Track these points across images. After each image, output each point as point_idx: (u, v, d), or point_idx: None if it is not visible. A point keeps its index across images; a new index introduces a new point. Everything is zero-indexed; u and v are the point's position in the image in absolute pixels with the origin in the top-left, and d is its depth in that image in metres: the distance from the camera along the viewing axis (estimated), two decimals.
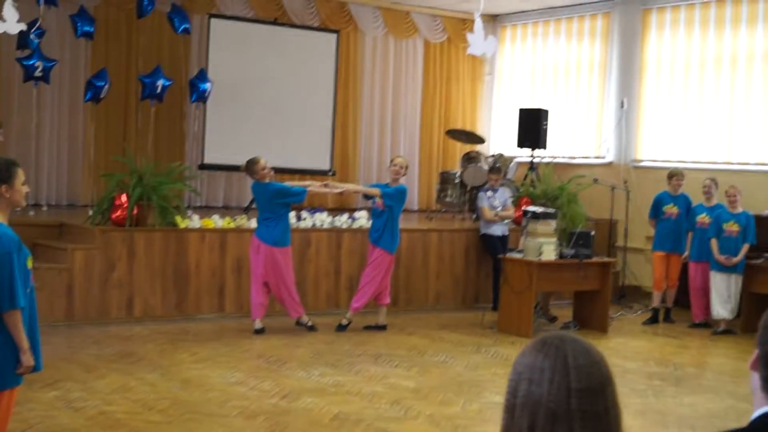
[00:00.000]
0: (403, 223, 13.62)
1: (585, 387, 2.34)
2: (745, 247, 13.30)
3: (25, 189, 6.01)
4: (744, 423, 2.50)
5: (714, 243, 13.39)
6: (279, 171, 16.54)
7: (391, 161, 13.20)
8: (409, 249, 14.50)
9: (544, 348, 2.41)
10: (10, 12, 6.57)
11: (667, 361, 11.70)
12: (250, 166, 12.16)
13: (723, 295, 13.41)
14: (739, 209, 13.46)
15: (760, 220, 13.80)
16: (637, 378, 10.69)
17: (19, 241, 5.84)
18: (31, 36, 13.96)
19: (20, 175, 5.94)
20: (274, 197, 11.98)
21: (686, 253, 13.98)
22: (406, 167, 12.91)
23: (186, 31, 16.18)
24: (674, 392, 10.13)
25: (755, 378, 2.51)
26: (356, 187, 12.71)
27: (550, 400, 2.34)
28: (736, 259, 13.26)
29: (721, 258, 13.30)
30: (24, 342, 5.75)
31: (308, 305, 12.88)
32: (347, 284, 13.86)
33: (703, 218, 13.68)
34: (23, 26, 6.92)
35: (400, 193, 12.69)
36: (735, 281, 13.37)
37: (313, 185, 12.94)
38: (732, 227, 13.36)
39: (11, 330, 5.69)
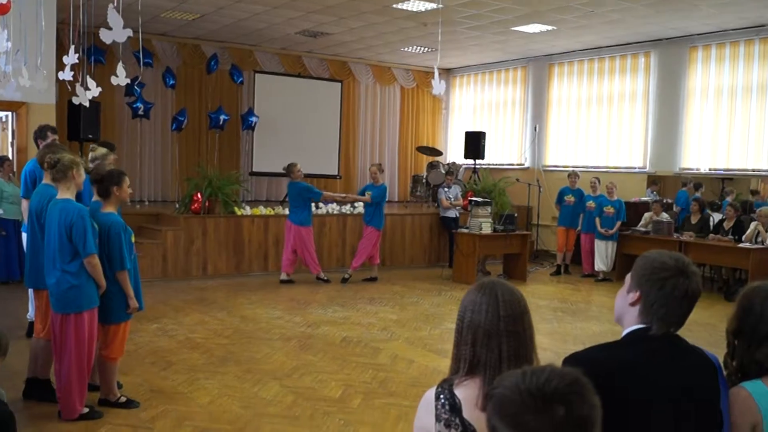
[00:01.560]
0: (387, 209, 13.63)
1: (509, 314, 2.37)
2: (618, 224, 13.39)
3: (129, 191, 6.05)
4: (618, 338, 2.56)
5: (597, 220, 13.48)
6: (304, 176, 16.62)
7: (369, 168, 13.41)
8: (392, 227, 14.53)
9: (482, 289, 2.44)
10: (121, 71, 6.56)
11: (566, 299, 11.74)
12: (290, 168, 12.21)
13: (603, 256, 13.51)
14: (615, 197, 13.52)
15: (628, 205, 13.90)
16: (546, 311, 10.73)
17: (125, 224, 5.91)
18: (135, 87, 13.99)
19: (126, 181, 5.97)
20: (302, 192, 12.02)
21: (579, 228, 14.03)
22: (379, 170, 12.85)
23: (240, 82, 16.24)
24: (571, 320, 10.17)
25: (623, 305, 2.52)
26: (354, 197, 13.19)
27: (486, 323, 2.37)
28: (612, 231, 13.36)
29: (603, 230, 13.39)
30: (131, 291, 5.85)
31: (324, 265, 12.89)
32: (350, 250, 13.87)
33: (590, 204, 13.71)
34: (128, 80, 6.91)
35: (383, 191, 12.67)
36: (611, 246, 13.45)
37: (327, 193, 13.01)
38: (610, 210, 13.44)
39: (122, 284, 5.73)
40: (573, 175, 14.33)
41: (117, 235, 5.72)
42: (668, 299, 2.39)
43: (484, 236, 12.72)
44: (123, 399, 6.01)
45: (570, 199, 14.14)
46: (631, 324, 2.49)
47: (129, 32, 5.73)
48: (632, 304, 2.47)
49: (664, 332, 2.42)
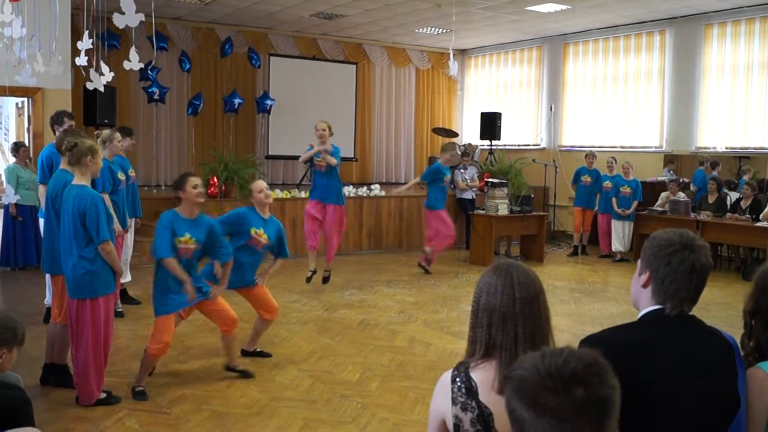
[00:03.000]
0: (405, 191, 13.58)
1: (525, 296, 2.36)
2: (635, 203, 13.31)
3: (196, 191, 6.07)
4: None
5: (614, 201, 13.40)
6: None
7: (315, 128, 10.29)
8: (409, 209, 14.50)
9: (497, 271, 2.43)
10: (134, 55, 6.54)
11: (583, 280, 11.69)
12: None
13: (620, 236, 13.46)
14: (631, 177, 13.42)
15: (644, 184, 13.78)
16: (563, 292, 10.68)
17: (173, 221, 6.06)
18: (149, 71, 13.98)
19: (191, 182, 6.01)
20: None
21: (596, 208, 13.95)
22: (327, 130, 10.15)
23: (258, 65, 16.26)
24: (588, 301, 10.13)
25: (638, 288, 2.51)
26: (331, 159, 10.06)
27: (502, 305, 2.36)
28: (629, 211, 13.28)
29: (620, 210, 13.30)
30: (184, 275, 5.99)
31: (339, 248, 12.84)
32: (367, 233, 13.88)
33: (607, 184, 13.63)
34: (142, 65, 6.90)
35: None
36: (628, 226, 13.41)
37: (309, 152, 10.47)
38: (626, 190, 13.36)
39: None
40: (590, 155, 14.21)
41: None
42: (676, 274, 2.39)
43: (500, 218, 12.66)
44: (140, 389, 6.01)
45: (587, 179, 14.04)
46: (646, 306, 2.49)
47: (141, 17, 5.69)
48: (644, 286, 2.48)
49: (678, 312, 2.41)
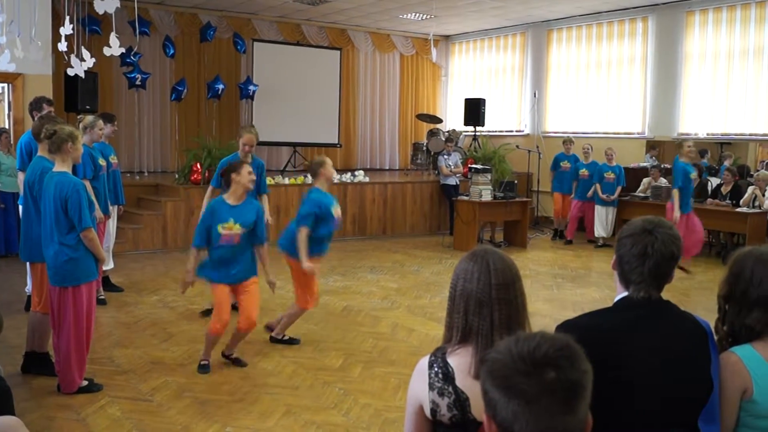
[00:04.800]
0: (388, 177, 13.59)
1: (501, 282, 2.37)
2: (619, 189, 13.37)
3: (249, 177, 6.23)
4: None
5: (598, 186, 13.44)
6: (303, 145, 16.59)
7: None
8: (393, 195, 14.51)
9: (474, 257, 2.45)
10: (114, 41, 6.50)
11: (566, 266, 11.74)
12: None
13: (603, 221, 13.50)
14: (614, 163, 13.47)
15: (627, 170, 13.84)
16: (546, 277, 10.73)
17: (213, 213, 6.17)
18: (130, 57, 13.87)
19: (245, 169, 6.19)
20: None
21: (572, 195, 13.98)
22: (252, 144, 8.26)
23: (243, 51, 16.21)
24: (571, 286, 10.17)
25: (615, 274, 2.55)
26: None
27: (478, 291, 2.37)
28: (612, 197, 13.32)
29: (604, 196, 13.35)
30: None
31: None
32: (351, 219, 13.89)
33: (583, 172, 13.70)
34: (123, 50, 6.85)
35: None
36: (612, 212, 13.45)
37: None
38: (610, 176, 13.40)
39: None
40: (567, 141, 14.32)
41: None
42: (629, 257, 2.45)
43: (484, 203, 12.67)
44: (204, 362, 6.31)
45: (566, 165, 14.10)
46: (619, 290, 2.54)
47: (117, 2, 5.68)
48: (613, 267, 2.56)
49: (645, 296, 2.44)
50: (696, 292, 9.43)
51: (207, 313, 7.88)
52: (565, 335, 1.62)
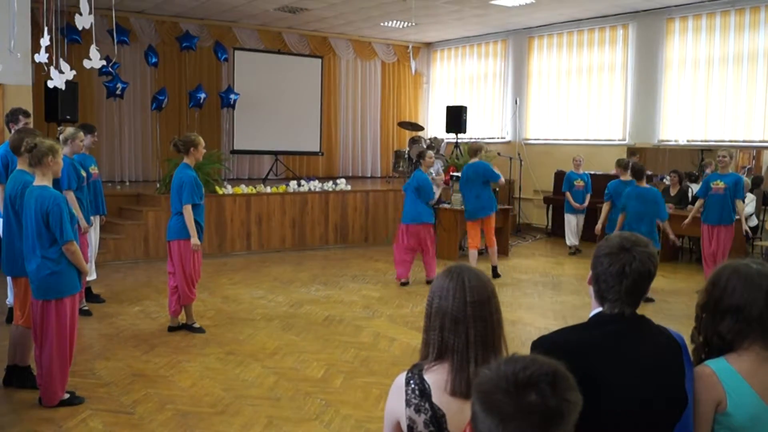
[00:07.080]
0: (370, 185, 13.63)
1: (476, 300, 2.40)
2: (588, 196, 13.58)
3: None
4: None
5: (569, 194, 13.62)
6: (285, 153, 16.63)
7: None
8: (375, 203, 14.56)
9: (449, 275, 2.49)
10: (94, 53, 6.52)
11: (547, 273, 11.83)
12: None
13: (573, 230, 13.66)
14: (581, 171, 13.76)
15: (608, 177, 13.87)
16: (528, 285, 10.81)
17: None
18: (109, 67, 13.83)
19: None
20: None
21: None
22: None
23: (225, 59, 16.21)
24: (551, 294, 10.25)
25: (591, 290, 2.59)
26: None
27: (453, 309, 2.41)
28: (583, 206, 13.58)
29: (576, 205, 13.51)
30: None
31: (305, 243, 12.91)
32: (333, 227, 13.93)
33: (578, 182, 13.84)
34: (104, 62, 6.87)
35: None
36: (581, 219, 13.77)
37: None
38: (579, 183, 13.61)
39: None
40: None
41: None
42: (607, 275, 2.46)
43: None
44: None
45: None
46: (594, 306, 2.56)
47: (91, 18, 5.75)
48: (589, 283, 2.57)
49: (619, 313, 2.47)
50: (675, 299, 9.48)
51: (182, 327, 7.97)
52: (557, 362, 1.65)
